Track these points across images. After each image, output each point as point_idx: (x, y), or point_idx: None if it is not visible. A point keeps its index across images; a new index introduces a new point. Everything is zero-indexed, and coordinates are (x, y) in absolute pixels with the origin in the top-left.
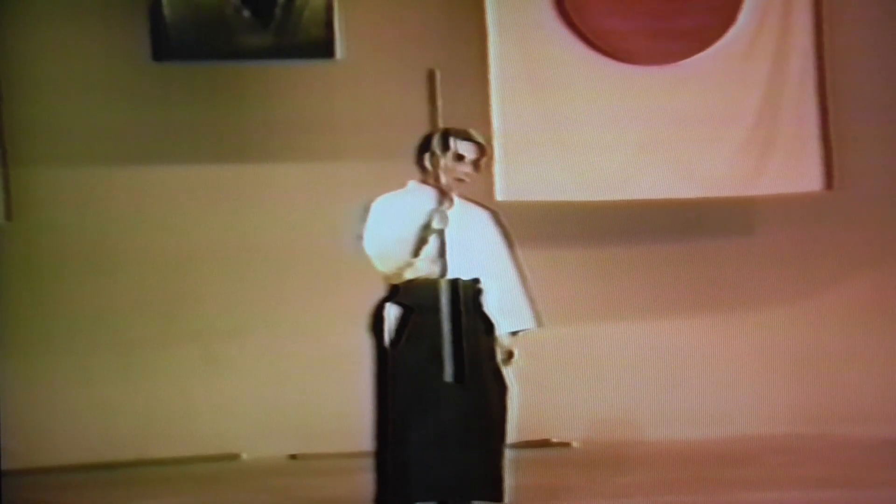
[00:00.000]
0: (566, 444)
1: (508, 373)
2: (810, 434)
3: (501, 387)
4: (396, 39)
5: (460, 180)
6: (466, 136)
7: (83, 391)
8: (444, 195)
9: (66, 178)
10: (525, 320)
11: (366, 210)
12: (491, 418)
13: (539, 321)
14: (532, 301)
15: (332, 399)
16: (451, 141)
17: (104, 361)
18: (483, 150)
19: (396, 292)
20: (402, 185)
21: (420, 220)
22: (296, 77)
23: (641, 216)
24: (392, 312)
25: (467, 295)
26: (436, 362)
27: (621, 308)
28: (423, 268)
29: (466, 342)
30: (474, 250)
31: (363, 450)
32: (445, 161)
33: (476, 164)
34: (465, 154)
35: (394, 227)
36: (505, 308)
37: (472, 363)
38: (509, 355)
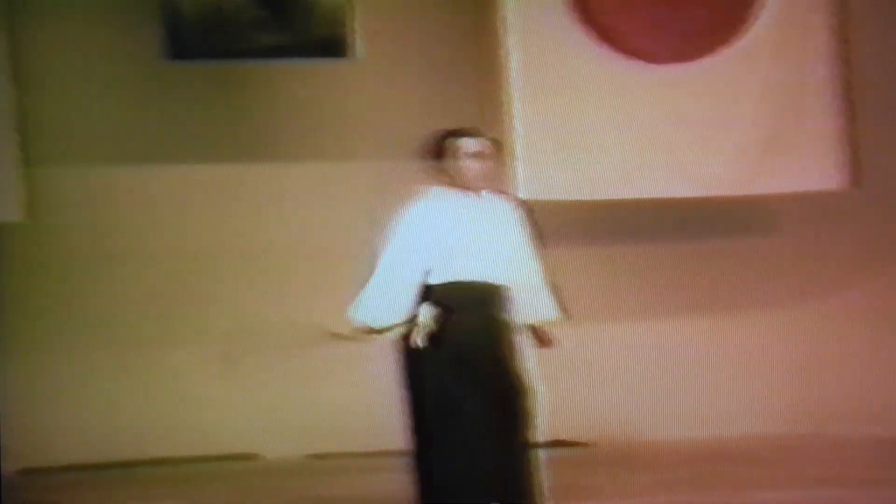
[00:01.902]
0: (578, 444)
1: (531, 374)
2: (812, 433)
3: (525, 389)
4: (410, 38)
5: (483, 177)
6: (463, 133)
7: (98, 391)
8: (471, 193)
9: (82, 177)
10: (549, 311)
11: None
12: (522, 420)
13: (564, 311)
14: (556, 292)
15: (349, 398)
16: (461, 140)
17: (120, 360)
18: (496, 144)
19: (430, 293)
20: (416, 184)
21: (451, 226)
22: (310, 76)
23: (656, 214)
24: (429, 313)
25: (500, 298)
26: (471, 364)
27: (632, 308)
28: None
29: (499, 345)
30: (498, 243)
31: (381, 449)
32: (454, 161)
33: (482, 155)
34: (468, 148)
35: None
36: (529, 300)
37: (506, 365)
38: (545, 340)
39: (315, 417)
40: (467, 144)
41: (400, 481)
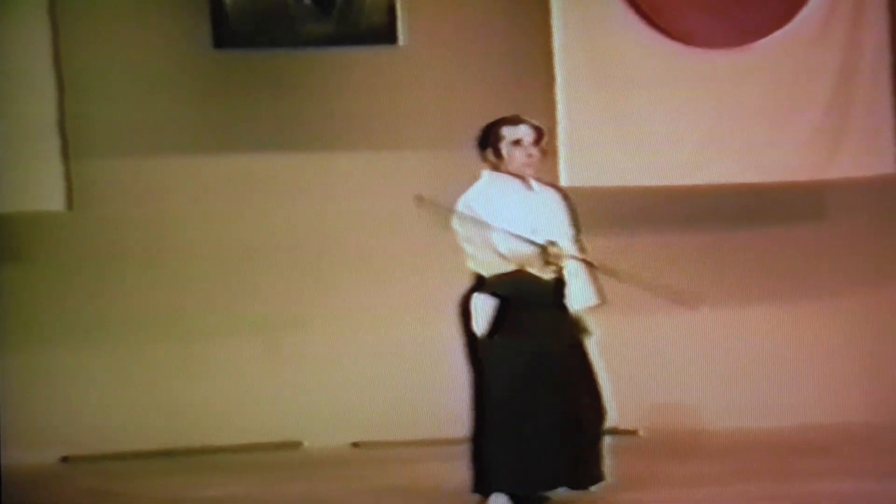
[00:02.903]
0: (633, 432)
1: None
2: (884, 423)
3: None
4: (459, 25)
5: (528, 165)
6: (517, 121)
7: (143, 381)
8: (523, 181)
9: (127, 168)
10: (589, 297)
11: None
12: (590, 407)
13: (602, 297)
14: (595, 278)
15: (394, 387)
16: (504, 129)
17: (165, 351)
18: (539, 131)
19: (484, 283)
20: (466, 174)
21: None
22: (357, 64)
23: (710, 202)
24: (488, 303)
25: (559, 287)
26: (538, 354)
27: (690, 295)
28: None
29: (563, 334)
30: (546, 231)
31: (425, 438)
32: (506, 150)
33: (536, 144)
34: (522, 137)
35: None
36: (571, 287)
37: (572, 355)
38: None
39: (359, 406)
40: (523, 133)
41: (444, 471)
